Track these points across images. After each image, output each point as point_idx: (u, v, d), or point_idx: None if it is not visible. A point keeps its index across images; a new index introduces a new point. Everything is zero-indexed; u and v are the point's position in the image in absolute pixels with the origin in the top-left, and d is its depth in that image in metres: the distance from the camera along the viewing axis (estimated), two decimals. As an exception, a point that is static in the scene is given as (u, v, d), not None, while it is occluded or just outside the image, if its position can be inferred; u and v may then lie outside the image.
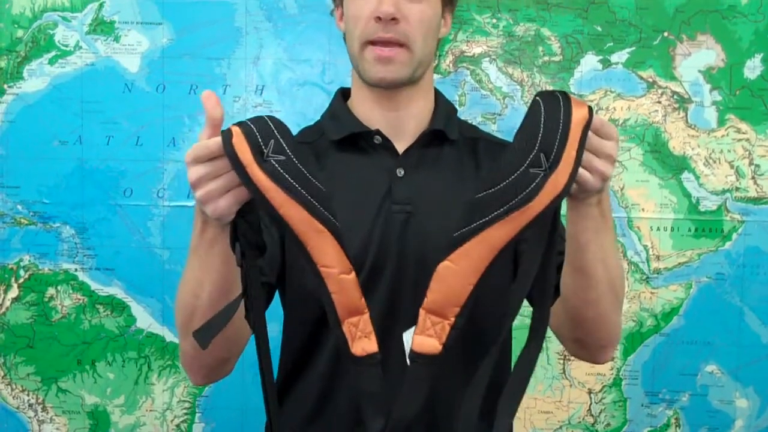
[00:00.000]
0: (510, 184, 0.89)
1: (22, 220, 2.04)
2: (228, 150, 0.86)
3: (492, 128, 2.02)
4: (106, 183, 2.03)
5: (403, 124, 1.23)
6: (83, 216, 2.03)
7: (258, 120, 0.88)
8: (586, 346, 1.20)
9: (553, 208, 0.91)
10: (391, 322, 1.15)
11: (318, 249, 0.91)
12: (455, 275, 0.93)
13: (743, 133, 2.03)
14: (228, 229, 0.95)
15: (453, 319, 0.94)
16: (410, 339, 0.97)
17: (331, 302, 0.93)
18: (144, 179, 2.03)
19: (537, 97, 0.91)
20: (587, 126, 0.89)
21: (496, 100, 2.04)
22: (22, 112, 2.03)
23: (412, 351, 0.96)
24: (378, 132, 1.21)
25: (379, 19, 1.13)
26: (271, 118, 0.89)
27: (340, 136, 1.22)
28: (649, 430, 2.07)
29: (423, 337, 0.95)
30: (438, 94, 1.30)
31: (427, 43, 1.18)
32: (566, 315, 1.16)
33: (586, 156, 0.91)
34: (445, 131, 1.24)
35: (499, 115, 2.04)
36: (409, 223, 1.17)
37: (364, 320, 0.96)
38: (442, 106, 1.28)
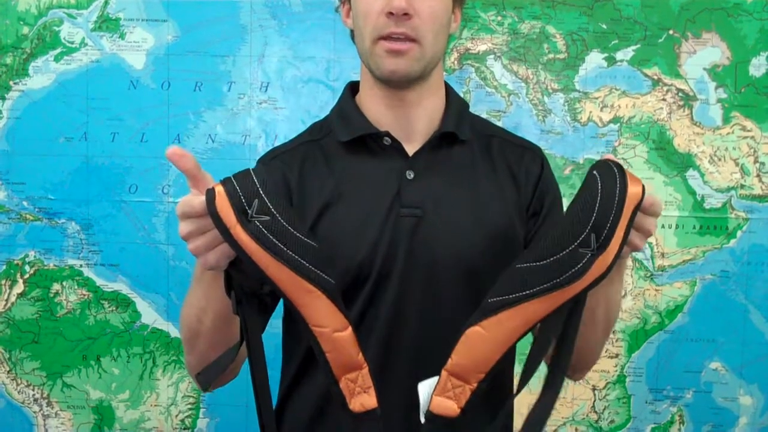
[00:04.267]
0: (557, 261, 0.89)
1: (28, 216, 2.04)
2: (211, 211, 0.85)
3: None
4: (111, 179, 2.04)
5: (413, 124, 1.21)
6: (88, 212, 2.04)
7: (243, 176, 0.87)
8: None
9: (593, 287, 0.90)
10: (397, 326, 1.15)
11: (309, 308, 0.90)
12: (485, 343, 0.93)
13: (748, 130, 2.02)
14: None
15: (475, 384, 0.94)
16: (426, 392, 0.96)
17: (325, 361, 0.93)
18: (149, 176, 2.04)
19: (594, 171, 0.90)
20: (638, 206, 0.89)
21: (500, 97, 2.04)
22: (28, 108, 2.04)
23: (429, 411, 0.96)
24: (387, 133, 1.19)
25: (390, 14, 1.11)
26: (257, 172, 0.88)
27: (350, 138, 1.20)
28: (653, 426, 2.07)
29: (442, 399, 0.95)
30: (449, 91, 1.27)
31: (438, 39, 1.16)
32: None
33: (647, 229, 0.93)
34: (457, 133, 1.21)
35: (504, 112, 2.04)
36: (418, 227, 1.15)
37: (363, 375, 0.95)
38: (454, 105, 1.25)
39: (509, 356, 1.19)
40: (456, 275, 1.16)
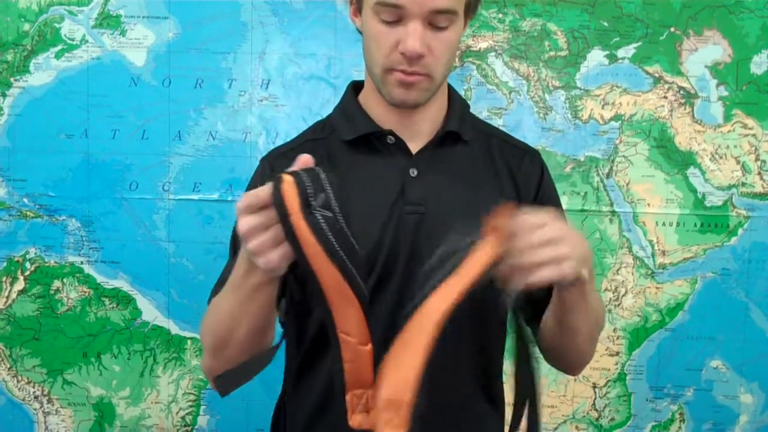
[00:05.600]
0: (445, 253, 0.91)
1: (28, 213, 2.04)
2: (276, 195, 0.83)
3: (498, 123, 2.01)
4: (111, 176, 2.04)
5: (416, 124, 1.21)
6: (89, 209, 2.04)
7: (311, 171, 0.86)
8: (561, 364, 1.27)
9: (486, 280, 0.91)
10: (399, 324, 1.15)
11: (342, 314, 0.89)
12: (399, 365, 0.91)
13: (749, 128, 2.02)
14: (274, 281, 0.94)
15: (409, 405, 0.91)
16: None
17: (342, 370, 0.92)
18: (150, 173, 2.03)
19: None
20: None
21: (502, 94, 2.04)
22: (29, 105, 2.03)
23: None
24: (391, 132, 1.19)
25: (404, 54, 1.10)
26: (325, 170, 0.87)
27: (353, 137, 1.20)
28: (654, 424, 2.08)
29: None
30: (452, 91, 1.27)
31: (449, 66, 1.17)
32: (545, 344, 1.21)
33: (527, 254, 0.91)
34: (459, 132, 1.22)
35: (505, 109, 2.04)
36: (421, 224, 1.16)
37: (368, 396, 0.94)
38: (456, 105, 1.26)
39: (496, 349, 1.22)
40: None
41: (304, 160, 0.89)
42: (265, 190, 0.85)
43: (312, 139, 1.25)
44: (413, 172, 1.18)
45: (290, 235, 0.84)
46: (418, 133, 1.21)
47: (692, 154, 2.03)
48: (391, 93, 1.15)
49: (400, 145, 1.20)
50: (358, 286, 0.88)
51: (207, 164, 2.03)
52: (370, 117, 1.22)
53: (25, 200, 2.04)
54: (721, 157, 2.02)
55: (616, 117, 2.03)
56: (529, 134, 2.01)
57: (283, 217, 0.83)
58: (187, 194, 2.03)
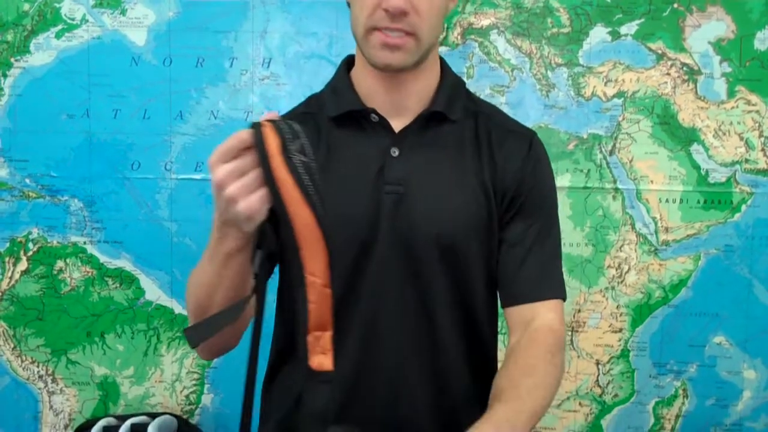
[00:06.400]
0: None
1: (31, 194, 2.04)
2: (258, 137, 0.87)
3: (500, 100, 2.00)
4: (113, 156, 2.04)
5: (404, 102, 1.20)
6: (91, 189, 2.04)
7: (285, 121, 0.90)
8: None
9: None
10: (378, 301, 1.16)
11: (311, 256, 0.92)
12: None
13: (753, 104, 2.01)
14: (245, 248, 0.96)
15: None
16: None
17: (306, 310, 0.94)
18: (151, 152, 2.03)
19: None
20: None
21: (504, 72, 2.03)
22: (30, 85, 2.03)
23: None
24: (374, 110, 1.18)
25: (387, 10, 1.09)
26: (297, 124, 0.90)
27: (337, 114, 1.20)
28: (657, 400, 2.08)
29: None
30: (444, 68, 1.26)
31: (435, 28, 1.15)
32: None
33: None
34: (446, 112, 1.20)
35: (507, 87, 2.03)
36: (400, 204, 1.16)
37: (326, 337, 0.96)
38: (447, 83, 1.24)
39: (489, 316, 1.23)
40: (434, 252, 1.16)
41: (272, 114, 0.92)
42: (246, 132, 0.88)
43: (305, 112, 1.25)
44: (394, 152, 1.17)
45: (269, 176, 0.88)
46: (404, 110, 1.20)
47: (695, 131, 2.02)
48: (375, 56, 1.13)
49: (384, 124, 1.19)
50: (326, 228, 0.91)
51: (209, 143, 2.03)
52: (357, 93, 1.21)
53: (27, 181, 2.04)
54: (724, 134, 2.02)
55: (619, 94, 2.02)
56: (531, 112, 2.01)
57: (264, 158, 0.87)
58: (189, 173, 2.03)
